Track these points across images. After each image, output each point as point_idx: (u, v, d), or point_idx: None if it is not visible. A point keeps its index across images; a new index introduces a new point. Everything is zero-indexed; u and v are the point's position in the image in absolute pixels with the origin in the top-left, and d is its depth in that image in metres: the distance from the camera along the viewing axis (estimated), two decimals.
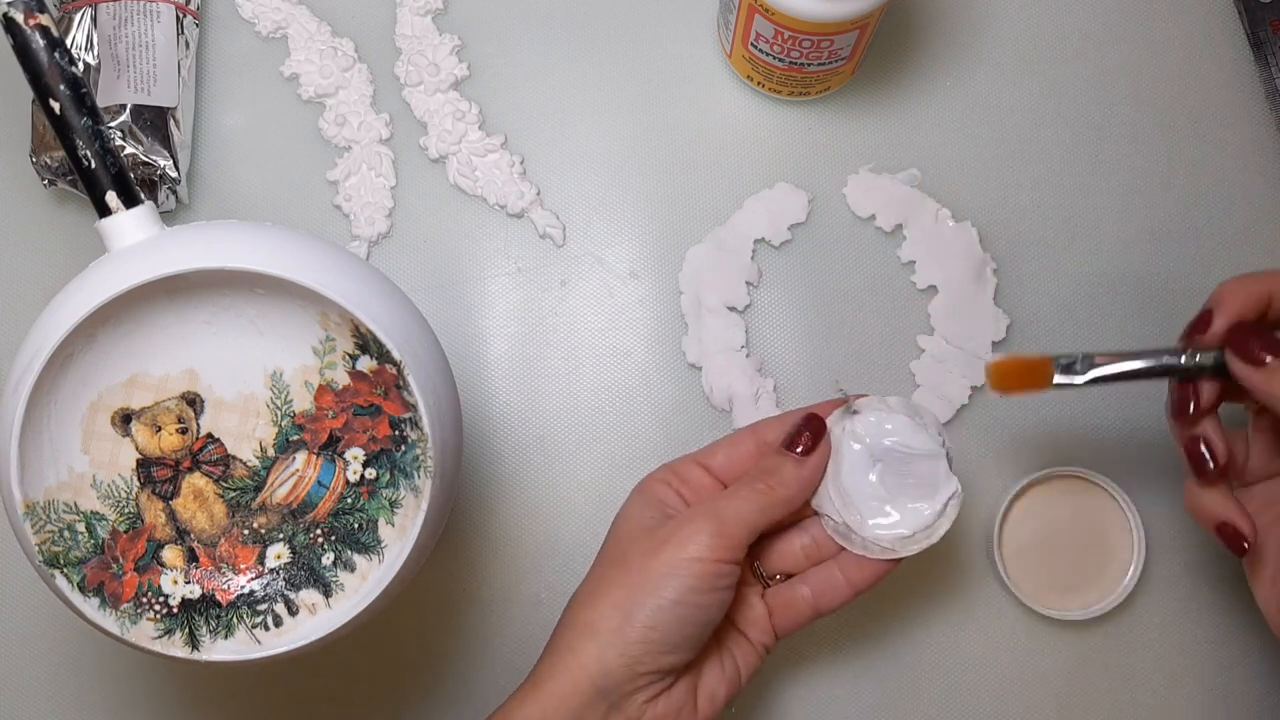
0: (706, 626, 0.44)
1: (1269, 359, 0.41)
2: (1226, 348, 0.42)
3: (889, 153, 0.57)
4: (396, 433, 0.42)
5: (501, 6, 0.58)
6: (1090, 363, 0.44)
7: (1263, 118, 0.57)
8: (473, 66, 0.57)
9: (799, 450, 0.45)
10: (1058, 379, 0.44)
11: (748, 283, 0.55)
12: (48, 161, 0.53)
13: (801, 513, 0.47)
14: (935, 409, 0.54)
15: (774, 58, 0.52)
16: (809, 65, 0.53)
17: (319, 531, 0.43)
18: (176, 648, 0.41)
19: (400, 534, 0.42)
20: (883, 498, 0.45)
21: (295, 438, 0.43)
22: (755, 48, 0.52)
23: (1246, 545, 0.43)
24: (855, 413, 0.46)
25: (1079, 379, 0.44)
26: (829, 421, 0.46)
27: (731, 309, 0.55)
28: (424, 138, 0.57)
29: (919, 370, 0.55)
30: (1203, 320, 0.43)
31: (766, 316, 0.56)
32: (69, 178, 0.53)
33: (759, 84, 0.56)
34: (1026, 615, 0.54)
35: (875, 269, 0.56)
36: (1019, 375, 0.45)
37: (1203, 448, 0.44)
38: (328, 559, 0.43)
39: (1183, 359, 0.43)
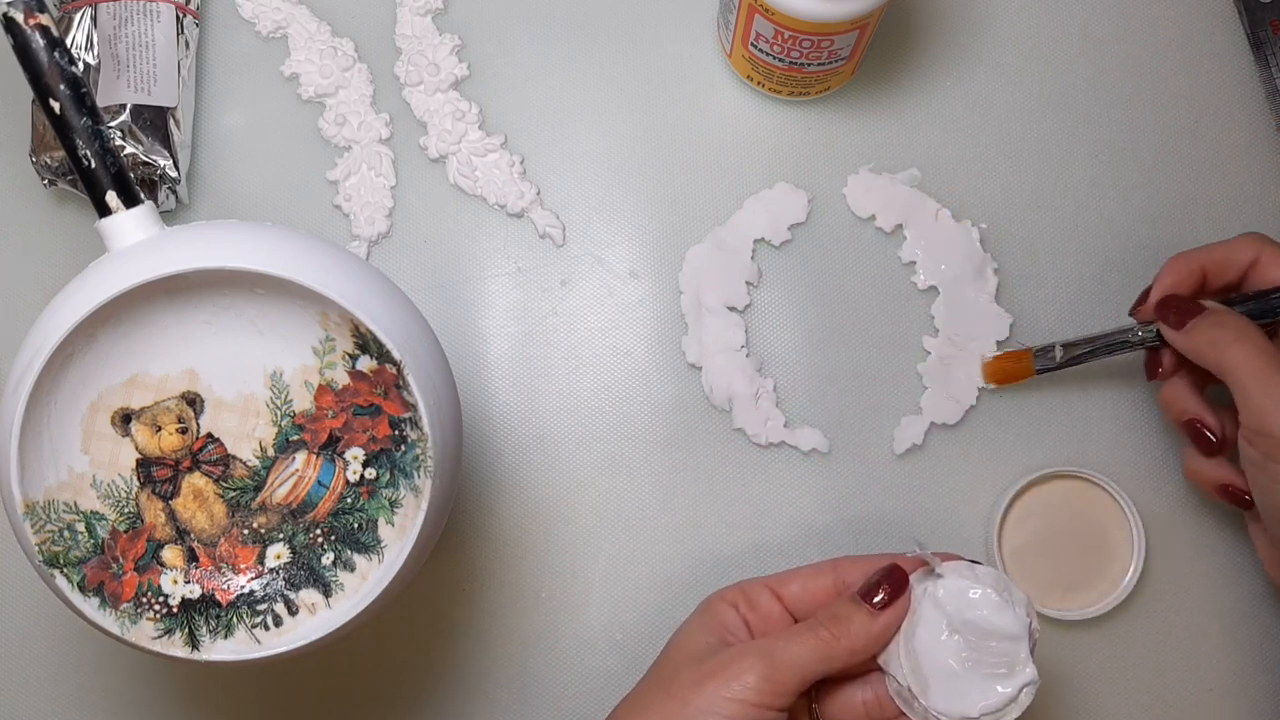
0: None
1: (1189, 323, 0.47)
2: (1156, 315, 0.49)
3: (889, 153, 0.57)
4: (396, 433, 0.42)
5: (501, 6, 0.58)
6: (1061, 348, 0.52)
7: (1263, 118, 0.57)
8: (473, 66, 0.57)
9: (875, 602, 0.43)
10: (1038, 364, 0.52)
11: (748, 283, 0.55)
12: (48, 161, 0.53)
13: (868, 665, 0.44)
14: (944, 411, 0.54)
15: (774, 58, 0.52)
16: (809, 65, 0.53)
17: (319, 531, 0.43)
18: (176, 648, 0.41)
19: (400, 534, 0.42)
20: (953, 672, 0.42)
21: (295, 438, 0.43)
22: (755, 48, 0.52)
23: (1249, 498, 0.48)
24: (939, 575, 0.43)
25: (1054, 362, 0.52)
26: (912, 578, 0.44)
27: (731, 309, 0.55)
28: (424, 138, 0.57)
29: (926, 372, 0.55)
30: (1141, 297, 0.51)
31: (766, 316, 0.56)
32: (69, 178, 0.53)
33: (759, 84, 0.56)
34: None
35: (875, 269, 0.56)
36: (1007, 368, 0.53)
37: (1200, 426, 0.49)
38: (328, 559, 0.43)
39: (1131, 334, 0.50)
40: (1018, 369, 0.53)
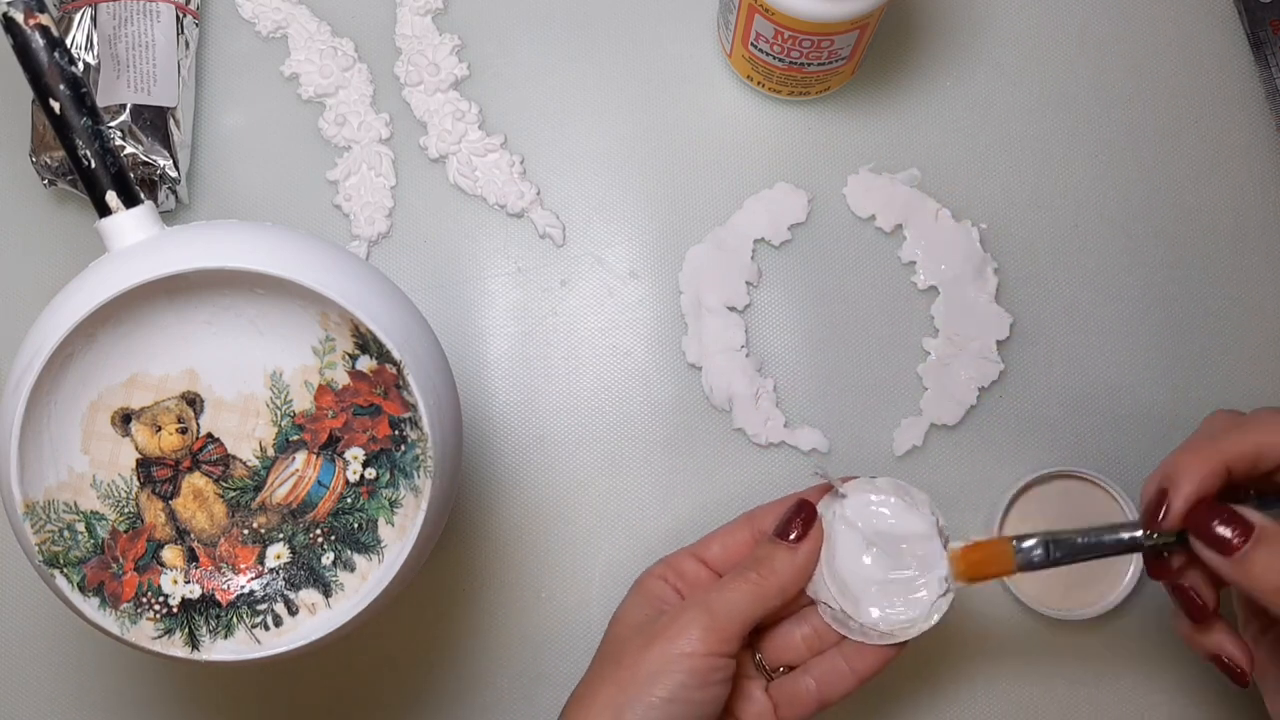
0: None
1: (1240, 545, 0.39)
2: (1190, 532, 0.41)
3: (889, 153, 0.57)
4: (396, 432, 0.42)
5: (501, 6, 0.58)
6: (1049, 547, 0.43)
7: (1263, 118, 0.57)
8: (473, 66, 0.57)
9: (791, 538, 0.44)
10: (1018, 571, 0.44)
11: (748, 283, 0.55)
12: (48, 161, 0.53)
13: (799, 602, 0.46)
14: (944, 412, 0.54)
15: (774, 58, 0.52)
16: (809, 65, 0.53)
17: (319, 531, 0.43)
18: (176, 648, 0.41)
19: (400, 534, 0.42)
20: (879, 581, 0.44)
21: (295, 438, 0.43)
22: (755, 48, 0.52)
23: (1244, 676, 0.43)
24: (844, 496, 0.45)
25: (1038, 567, 0.43)
26: (819, 507, 0.45)
27: (731, 309, 0.55)
28: (424, 137, 0.57)
29: (925, 373, 0.55)
30: (1157, 502, 0.41)
31: (766, 316, 0.56)
32: (69, 178, 0.53)
33: (759, 84, 0.56)
34: (1027, 615, 0.54)
35: (875, 269, 0.56)
36: (981, 562, 0.44)
37: (1193, 595, 0.43)
38: (328, 559, 0.43)
39: (1143, 538, 0.42)
40: (996, 565, 0.44)
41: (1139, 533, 0.42)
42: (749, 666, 0.47)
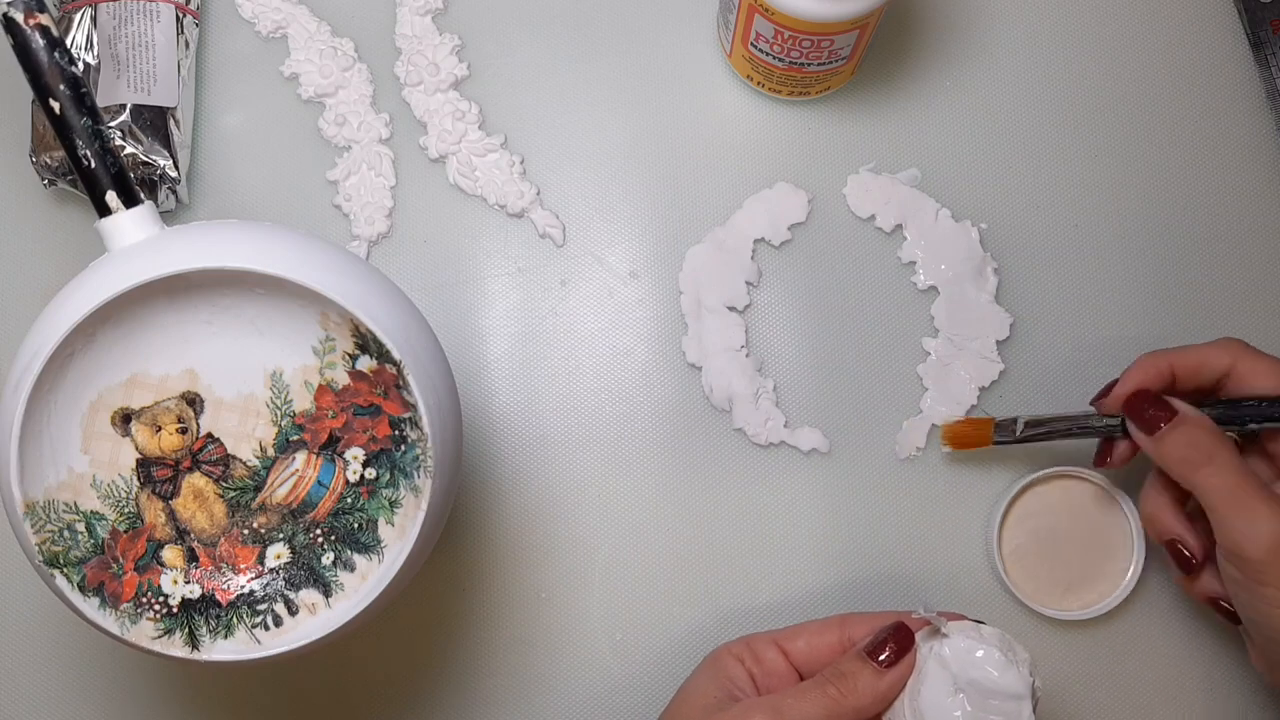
0: None
1: (1160, 430, 0.46)
2: (1125, 413, 0.48)
3: (889, 153, 0.57)
4: (396, 433, 0.42)
5: (501, 6, 0.58)
6: (1023, 424, 0.51)
7: (1263, 118, 0.57)
8: (473, 66, 0.57)
9: (881, 659, 0.43)
10: (997, 435, 0.51)
11: (747, 283, 0.55)
12: (48, 161, 0.53)
13: None
14: (944, 412, 0.54)
15: (774, 58, 0.52)
16: (809, 65, 0.53)
17: (319, 531, 0.43)
18: (176, 648, 0.41)
19: (400, 534, 0.42)
20: None
21: (295, 438, 0.43)
22: (755, 48, 0.52)
23: (1193, 560, 0.48)
24: (945, 635, 0.44)
25: (1014, 436, 0.51)
26: (918, 637, 0.44)
27: (731, 309, 0.55)
28: (424, 137, 0.57)
29: (925, 373, 0.55)
30: (1106, 389, 0.49)
31: (766, 316, 0.56)
32: (69, 178, 0.53)
33: (759, 84, 0.56)
34: (1026, 615, 0.54)
35: (875, 269, 0.56)
36: (966, 433, 0.52)
37: (1179, 547, 0.48)
38: (328, 559, 0.43)
39: (1095, 421, 0.49)
40: (976, 436, 0.52)
41: (1091, 421, 0.49)
42: None
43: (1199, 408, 0.47)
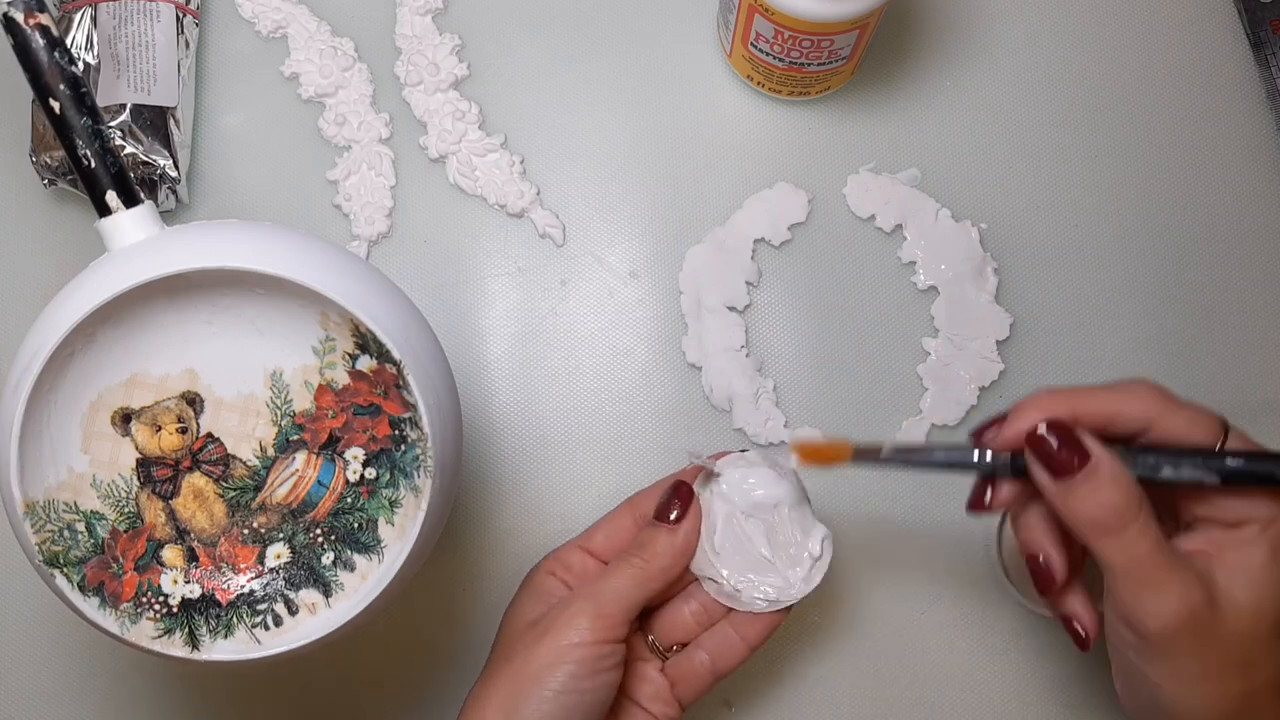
0: (597, 710, 0.44)
1: (1071, 478, 0.38)
2: (1029, 449, 0.39)
3: (889, 153, 0.57)
4: (396, 432, 0.42)
5: (501, 6, 0.58)
6: (889, 449, 0.41)
7: (1263, 118, 0.57)
8: (473, 66, 0.57)
9: (671, 518, 0.45)
10: (857, 457, 0.42)
11: (747, 283, 0.55)
12: (48, 161, 0.53)
13: (684, 580, 0.47)
14: (945, 412, 0.54)
15: (774, 58, 0.52)
16: (809, 65, 0.53)
17: (319, 531, 0.43)
18: (176, 647, 0.41)
19: (400, 534, 0.42)
20: (758, 552, 0.46)
21: (295, 437, 0.43)
22: (755, 48, 0.52)
23: (1084, 636, 0.42)
24: (717, 474, 0.46)
25: (877, 459, 0.42)
26: (695, 486, 0.46)
27: (731, 309, 0.55)
28: (424, 137, 0.57)
29: (925, 373, 0.55)
30: (994, 424, 0.40)
31: (766, 316, 0.56)
32: (69, 178, 0.53)
33: (759, 84, 0.56)
34: (1026, 615, 0.54)
35: (875, 269, 0.56)
36: (820, 452, 0.43)
37: (1043, 565, 0.41)
38: (328, 559, 0.43)
39: (980, 458, 0.40)
40: (831, 455, 0.42)
41: (973, 457, 0.40)
42: (642, 649, 0.47)
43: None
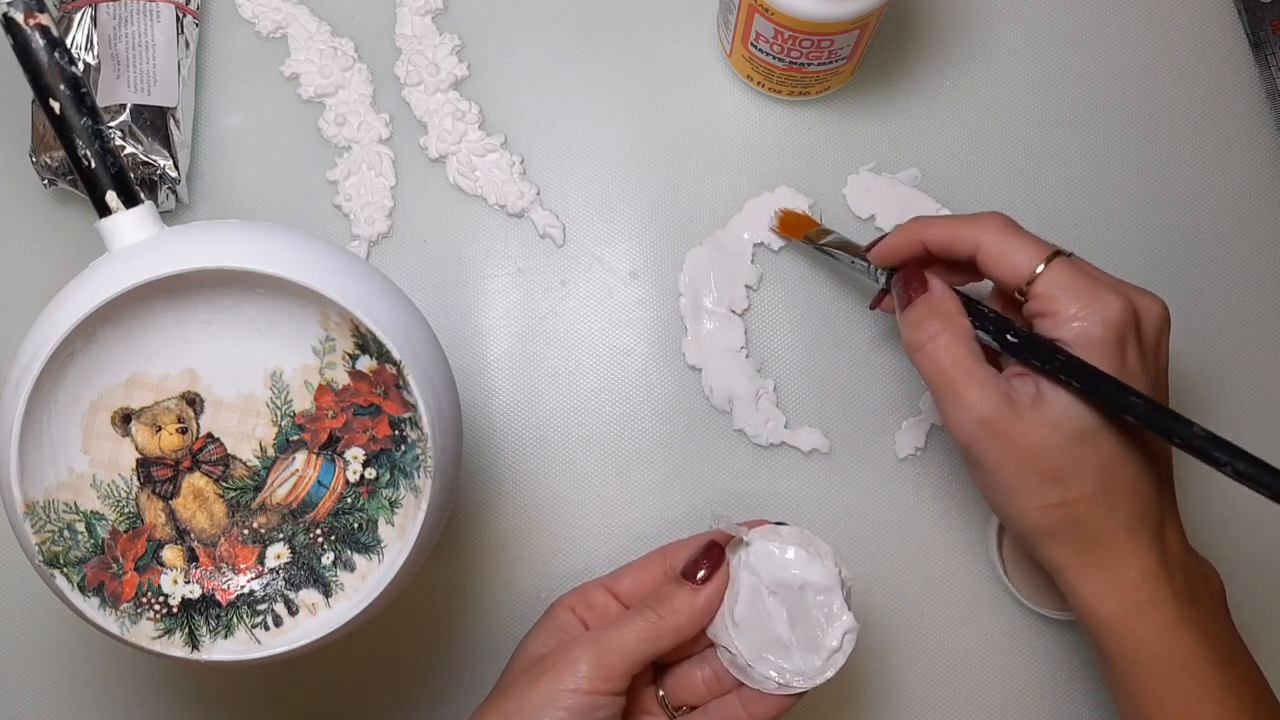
0: None
1: (909, 306, 0.45)
2: (894, 280, 0.47)
3: (889, 153, 0.57)
4: (396, 433, 0.42)
5: (501, 6, 0.58)
6: (826, 239, 0.52)
7: (1263, 118, 0.57)
8: (473, 66, 0.57)
9: (697, 578, 0.44)
10: (807, 236, 0.53)
11: (747, 286, 0.55)
12: (48, 161, 0.53)
13: (700, 643, 0.46)
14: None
15: (774, 58, 0.52)
16: (809, 65, 0.53)
17: (319, 531, 0.43)
18: (176, 648, 0.41)
19: (400, 534, 0.42)
20: (778, 632, 0.44)
21: (295, 438, 0.43)
22: (755, 48, 0.52)
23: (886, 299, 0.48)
24: (748, 543, 0.45)
25: (816, 241, 0.52)
26: (728, 550, 0.45)
27: (731, 311, 0.55)
28: (424, 137, 0.57)
29: None
30: (875, 242, 0.48)
31: (767, 318, 0.56)
32: (69, 178, 0.53)
33: (759, 84, 0.56)
34: (1026, 615, 0.54)
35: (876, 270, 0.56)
36: (794, 222, 0.54)
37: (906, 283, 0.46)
38: (328, 559, 0.43)
39: (869, 271, 0.49)
40: (797, 226, 0.54)
41: (869, 270, 0.49)
42: (652, 704, 0.47)
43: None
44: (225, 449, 0.43)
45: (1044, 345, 0.42)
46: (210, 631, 0.42)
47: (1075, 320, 0.41)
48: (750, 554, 0.45)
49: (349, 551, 0.43)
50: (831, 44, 0.50)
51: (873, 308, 0.51)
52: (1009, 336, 0.43)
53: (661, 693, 0.47)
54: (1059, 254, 0.43)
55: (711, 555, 0.45)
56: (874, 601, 0.54)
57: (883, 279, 0.49)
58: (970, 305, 0.45)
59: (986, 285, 0.47)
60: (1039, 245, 0.43)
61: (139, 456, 0.42)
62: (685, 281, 0.55)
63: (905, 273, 0.46)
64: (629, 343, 0.56)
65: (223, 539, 0.43)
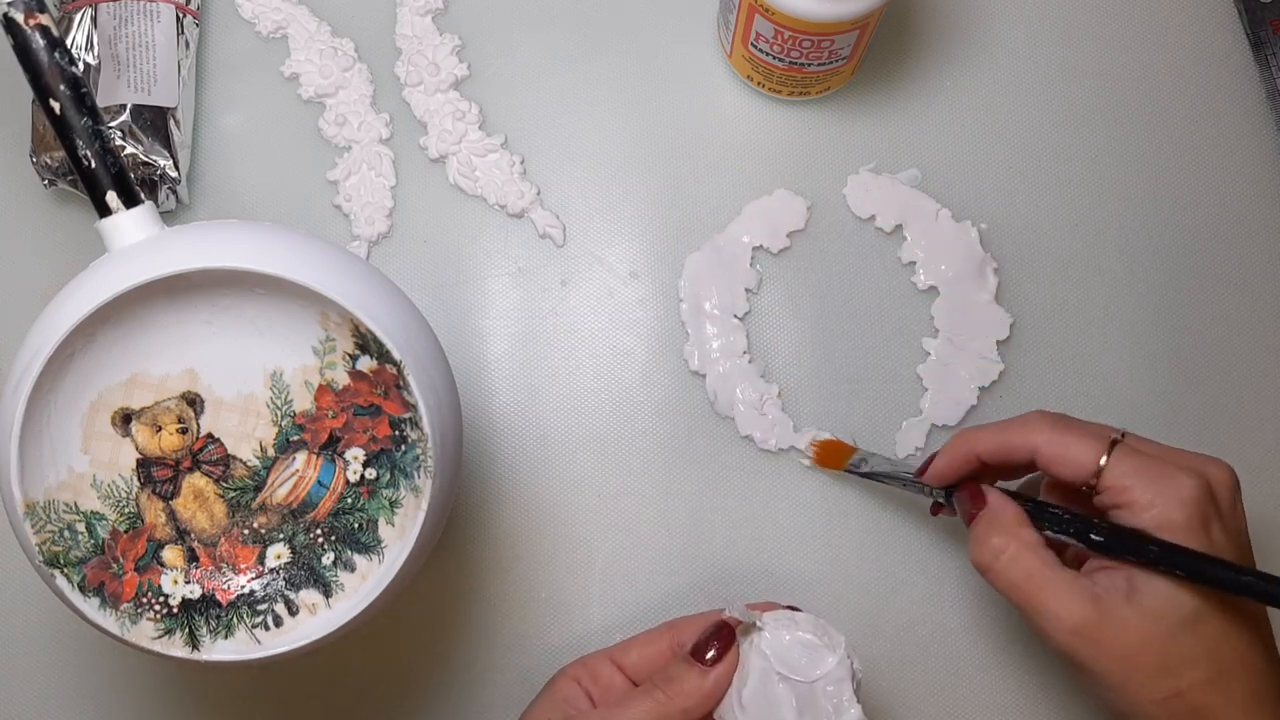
0: None
1: (972, 523, 0.44)
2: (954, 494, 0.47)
3: (889, 153, 0.57)
4: (396, 433, 0.42)
5: (501, 6, 0.58)
6: (869, 466, 0.52)
7: (1263, 118, 0.57)
8: (473, 66, 0.57)
9: (707, 659, 0.43)
10: (849, 465, 0.52)
11: (747, 289, 0.55)
12: (48, 161, 0.53)
13: None
14: (945, 412, 0.54)
15: (774, 58, 0.52)
16: (809, 65, 0.53)
17: (319, 531, 0.43)
18: (176, 648, 0.41)
19: (400, 534, 0.42)
20: (784, 718, 0.43)
21: (295, 438, 0.43)
22: (755, 48, 0.52)
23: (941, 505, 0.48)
24: (761, 629, 0.44)
25: (859, 471, 0.52)
26: (739, 632, 0.45)
27: (732, 315, 0.55)
28: (424, 138, 0.57)
29: (925, 373, 0.55)
30: (926, 463, 0.47)
31: (768, 321, 0.56)
32: (69, 178, 0.53)
33: (759, 84, 0.56)
34: None
35: (876, 270, 0.56)
36: (827, 456, 0.53)
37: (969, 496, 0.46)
38: (328, 559, 0.43)
39: (925, 491, 0.49)
40: (835, 459, 0.53)
41: (923, 490, 0.49)
42: None
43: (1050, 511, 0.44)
44: (225, 449, 0.43)
45: (1132, 537, 0.41)
46: (210, 632, 0.42)
47: (1153, 507, 0.41)
48: (762, 639, 0.44)
49: (349, 552, 0.43)
50: (831, 44, 0.50)
51: (934, 514, 0.51)
52: (1093, 536, 0.42)
53: None
54: (1116, 440, 0.42)
55: (722, 636, 0.44)
56: (871, 600, 0.54)
57: (938, 494, 0.48)
58: (1043, 509, 0.44)
59: None
60: (1094, 436, 0.42)
61: (139, 456, 0.42)
62: (685, 287, 0.55)
63: (961, 491, 0.46)
64: (629, 343, 0.56)
65: (223, 539, 0.43)
